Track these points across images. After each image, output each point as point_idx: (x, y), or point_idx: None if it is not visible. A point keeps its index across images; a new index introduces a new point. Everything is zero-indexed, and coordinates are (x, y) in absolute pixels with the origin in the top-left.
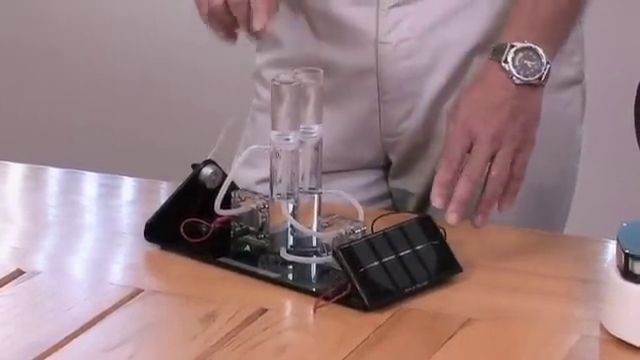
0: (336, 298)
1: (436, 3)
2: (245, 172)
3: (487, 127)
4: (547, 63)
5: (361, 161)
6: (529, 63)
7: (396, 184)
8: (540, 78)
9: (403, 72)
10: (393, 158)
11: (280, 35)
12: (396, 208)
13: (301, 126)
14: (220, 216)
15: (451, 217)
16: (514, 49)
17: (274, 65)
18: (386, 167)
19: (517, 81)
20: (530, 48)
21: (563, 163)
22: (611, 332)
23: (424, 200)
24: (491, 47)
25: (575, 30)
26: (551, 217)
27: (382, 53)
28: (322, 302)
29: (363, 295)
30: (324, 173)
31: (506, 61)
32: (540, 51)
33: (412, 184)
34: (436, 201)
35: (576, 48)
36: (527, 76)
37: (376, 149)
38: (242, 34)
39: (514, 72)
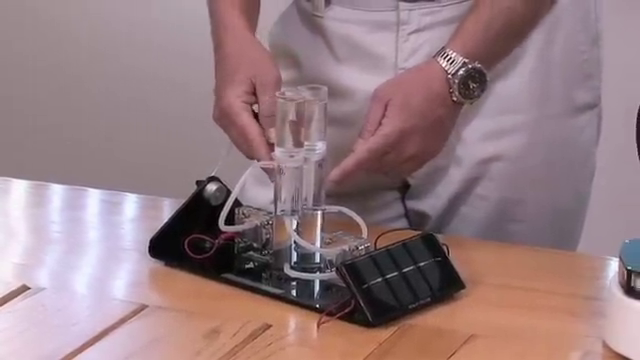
0: (340, 314)
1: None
2: (258, 191)
3: (404, 125)
4: (486, 86)
5: (378, 184)
6: (472, 85)
7: (413, 205)
8: (474, 101)
9: None
10: (411, 181)
11: (299, 56)
12: (413, 229)
13: (305, 143)
14: (224, 232)
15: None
16: (465, 68)
17: (290, 86)
18: (403, 187)
19: (454, 99)
20: (479, 71)
21: (578, 186)
22: (614, 349)
23: (441, 223)
24: (443, 50)
25: (595, 53)
26: (565, 238)
27: None
28: (326, 318)
29: (367, 311)
30: (338, 195)
31: (455, 75)
32: (486, 75)
33: (429, 206)
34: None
35: (594, 71)
36: (466, 97)
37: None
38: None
39: (456, 92)
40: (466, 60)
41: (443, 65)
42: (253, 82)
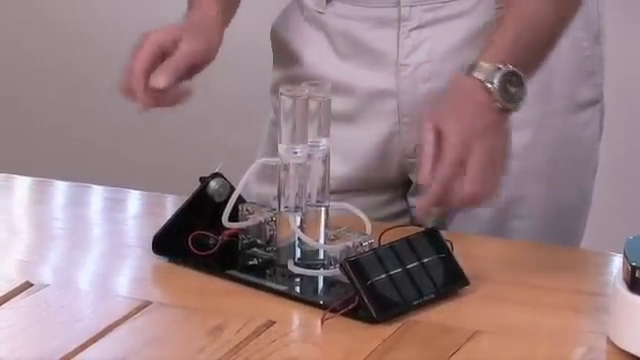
0: (343, 310)
1: (456, 27)
2: (262, 188)
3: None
4: (526, 88)
5: (380, 181)
6: (511, 89)
7: (415, 202)
8: (519, 104)
9: (423, 94)
10: (413, 178)
11: (300, 52)
12: (417, 225)
13: (309, 140)
14: (228, 229)
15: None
16: (500, 72)
17: (292, 82)
18: (405, 184)
19: (499, 105)
20: (514, 73)
21: (581, 182)
22: (617, 345)
23: (443, 220)
24: (473, 63)
25: (597, 50)
26: (569, 235)
27: (402, 75)
28: (329, 314)
29: (370, 307)
30: (341, 191)
31: (492, 83)
32: (522, 77)
33: None
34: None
35: (597, 68)
36: (509, 102)
37: (395, 170)
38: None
39: (498, 97)
40: (499, 66)
41: (476, 75)
42: (181, 35)
